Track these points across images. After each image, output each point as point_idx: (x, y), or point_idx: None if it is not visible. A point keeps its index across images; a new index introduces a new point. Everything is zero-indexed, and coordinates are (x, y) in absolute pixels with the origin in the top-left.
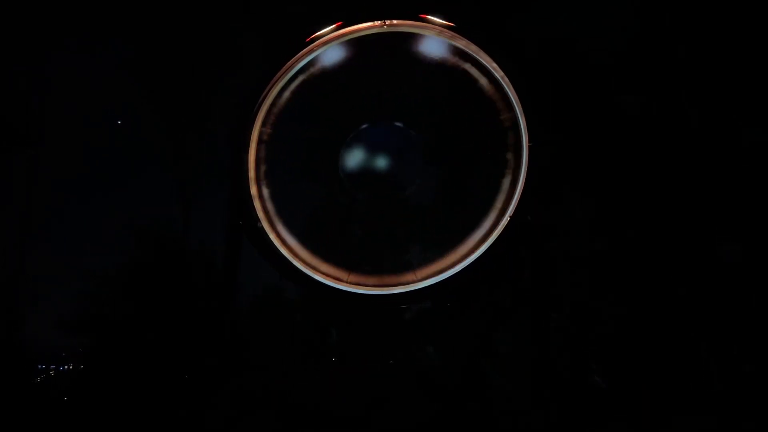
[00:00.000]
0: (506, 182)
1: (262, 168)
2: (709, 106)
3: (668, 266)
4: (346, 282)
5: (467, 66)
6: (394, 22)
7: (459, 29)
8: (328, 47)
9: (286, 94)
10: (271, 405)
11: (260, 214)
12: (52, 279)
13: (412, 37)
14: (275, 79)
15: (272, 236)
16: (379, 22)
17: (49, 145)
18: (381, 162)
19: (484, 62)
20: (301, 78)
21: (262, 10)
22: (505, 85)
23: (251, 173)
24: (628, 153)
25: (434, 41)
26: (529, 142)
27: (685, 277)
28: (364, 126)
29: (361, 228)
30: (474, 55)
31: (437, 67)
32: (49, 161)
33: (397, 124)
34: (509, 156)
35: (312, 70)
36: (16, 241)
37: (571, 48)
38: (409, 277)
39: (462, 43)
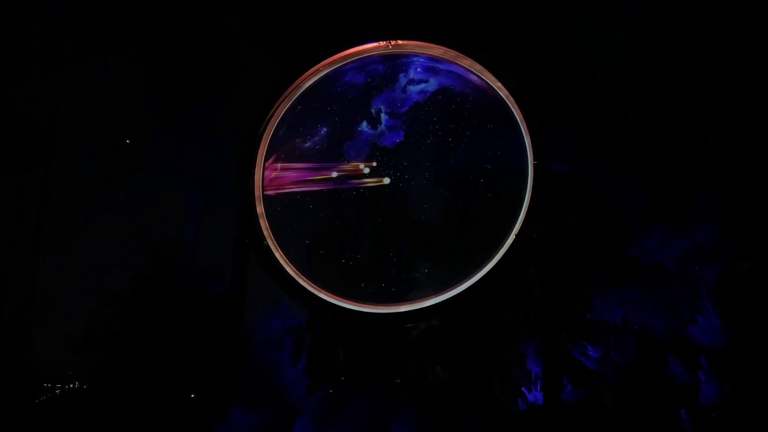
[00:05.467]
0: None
1: (269, 186)
2: (722, 123)
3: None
4: None
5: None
6: (399, 42)
7: (463, 49)
8: (334, 67)
9: (294, 112)
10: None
11: (265, 233)
12: (62, 297)
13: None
14: (282, 98)
15: (277, 255)
16: (384, 42)
17: (59, 165)
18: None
19: (489, 81)
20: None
21: (270, 31)
22: (509, 104)
23: (257, 192)
24: (635, 168)
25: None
26: (534, 160)
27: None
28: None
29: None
30: (479, 74)
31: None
32: (59, 180)
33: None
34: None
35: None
36: (27, 259)
37: (578, 66)
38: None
39: (467, 63)
